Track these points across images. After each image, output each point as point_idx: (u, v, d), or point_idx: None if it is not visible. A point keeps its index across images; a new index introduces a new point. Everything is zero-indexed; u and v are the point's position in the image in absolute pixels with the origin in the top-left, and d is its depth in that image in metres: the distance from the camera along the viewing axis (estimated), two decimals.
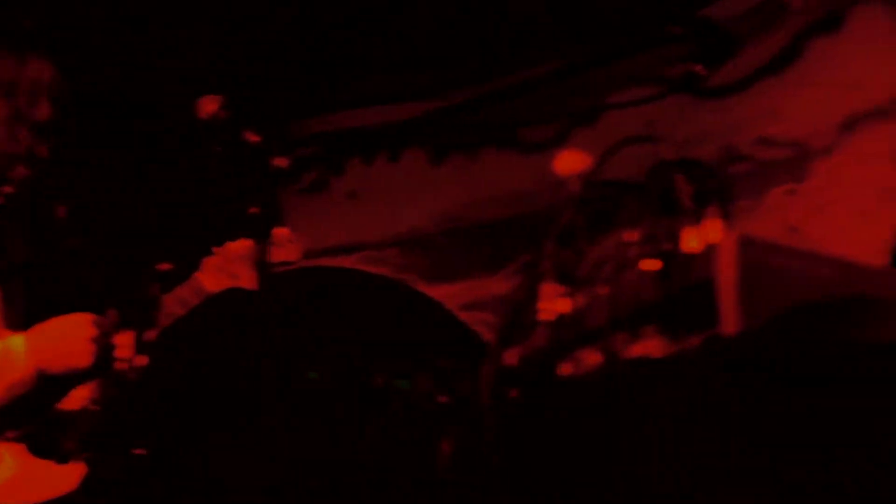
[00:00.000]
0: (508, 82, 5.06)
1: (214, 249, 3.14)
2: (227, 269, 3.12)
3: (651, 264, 1.69)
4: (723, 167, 4.67)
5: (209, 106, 2.73)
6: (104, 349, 2.92)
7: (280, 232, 2.91)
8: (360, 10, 4.92)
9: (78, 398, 2.99)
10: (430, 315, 5.08)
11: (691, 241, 1.67)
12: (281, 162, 2.65)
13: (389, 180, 5.50)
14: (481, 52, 5.08)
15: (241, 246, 3.12)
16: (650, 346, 1.67)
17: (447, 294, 5.20)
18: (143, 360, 2.90)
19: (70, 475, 2.90)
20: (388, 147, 5.35)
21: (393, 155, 5.48)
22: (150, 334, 2.97)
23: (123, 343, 2.92)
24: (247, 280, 3.09)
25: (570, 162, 2.07)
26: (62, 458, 2.89)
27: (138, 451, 3.20)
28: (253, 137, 2.71)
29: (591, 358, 1.76)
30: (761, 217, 4.56)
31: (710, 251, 1.58)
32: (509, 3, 4.91)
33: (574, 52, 4.78)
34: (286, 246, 2.91)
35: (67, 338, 2.89)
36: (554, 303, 1.93)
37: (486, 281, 5.12)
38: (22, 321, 3.00)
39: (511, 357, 1.94)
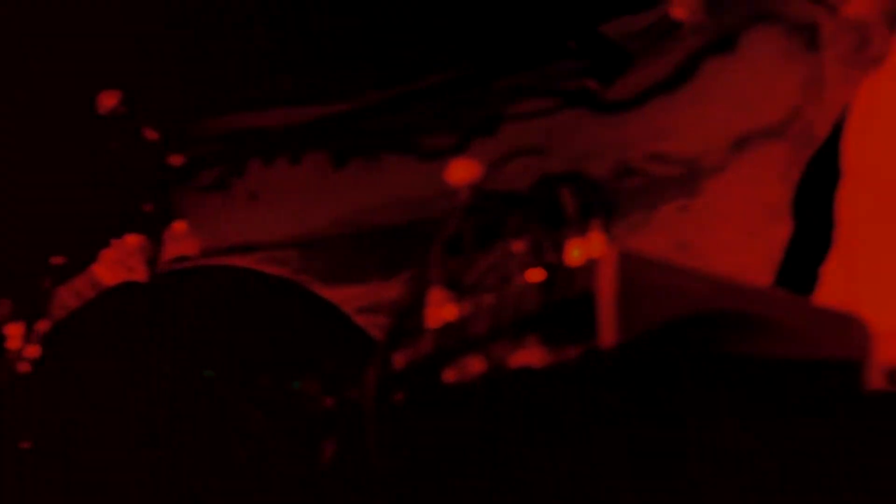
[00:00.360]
0: (410, 89, 5.11)
1: (112, 242, 3.14)
2: (124, 262, 3.11)
3: (535, 275, 1.73)
4: (616, 181, 4.75)
5: (108, 101, 2.73)
6: None
7: (177, 227, 2.91)
8: (264, 9, 4.91)
9: None
10: (326, 317, 5.08)
11: (574, 253, 1.71)
12: (178, 159, 2.66)
13: (290, 182, 5.50)
14: (385, 58, 5.10)
15: (139, 239, 3.11)
16: (531, 355, 1.70)
17: (344, 297, 5.21)
18: (35, 352, 2.88)
19: None
20: (290, 149, 5.35)
21: (294, 157, 5.48)
22: (43, 326, 2.95)
23: (15, 334, 2.90)
24: (142, 274, 3.08)
25: (460, 170, 2.11)
26: None
27: (25, 445, 3.17)
28: (151, 134, 2.71)
29: (475, 365, 1.80)
30: (652, 232, 4.64)
31: (591, 264, 1.62)
32: (413, 11, 4.94)
33: (475, 62, 4.83)
34: (183, 241, 2.91)
35: None
36: (440, 309, 1.95)
37: (383, 285, 5.15)
38: None
39: (397, 361, 1.97)
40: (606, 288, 1.57)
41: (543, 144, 4.84)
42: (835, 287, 2.41)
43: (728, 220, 4.54)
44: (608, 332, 1.56)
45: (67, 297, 3.09)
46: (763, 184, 4.49)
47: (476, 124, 4.99)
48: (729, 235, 4.52)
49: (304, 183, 5.46)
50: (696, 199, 4.65)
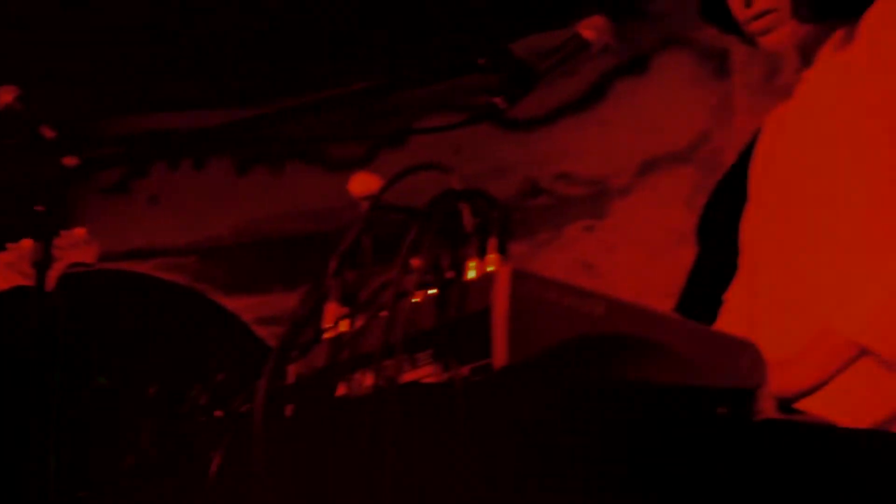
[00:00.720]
0: (319, 98, 5.06)
1: (7, 245, 3.05)
2: (18, 266, 3.03)
3: (431, 292, 1.70)
4: (523, 199, 4.76)
5: (4, 96, 2.66)
6: None
7: (77, 232, 2.85)
8: (172, 12, 4.85)
9: None
10: (223, 326, 5.02)
11: (471, 270, 1.69)
12: (74, 160, 2.59)
13: (193, 187, 5.44)
14: (294, 65, 5.06)
15: (33, 243, 3.03)
16: (424, 372, 1.68)
17: (244, 306, 5.16)
18: None
19: None
20: (194, 154, 5.28)
21: (198, 162, 5.42)
22: None
23: None
24: (36, 278, 3.00)
25: (361, 183, 2.08)
26: None
27: None
28: (48, 133, 2.64)
29: (367, 380, 1.76)
30: (558, 251, 4.66)
31: (487, 281, 1.60)
32: (326, 19, 4.91)
33: (385, 73, 4.81)
34: (82, 247, 2.85)
35: None
36: (335, 323, 1.92)
37: (284, 295, 5.10)
38: None
39: (289, 374, 1.93)
40: (500, 306, 1.54)
41: (451, 159, 4.83)
42: (734, 314, 2.41)
43: (632, 243, 4.57)
44: (500, 350, 1.53)
45: None
46: (668, 207, 4.52)
47: (384, 136, 4.97)
48: (633, 257, 4.54)
49: (206, 188, 5.40)
50: (602, 219, 4.67)
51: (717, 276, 2.54)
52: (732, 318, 2.44)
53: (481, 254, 1.69)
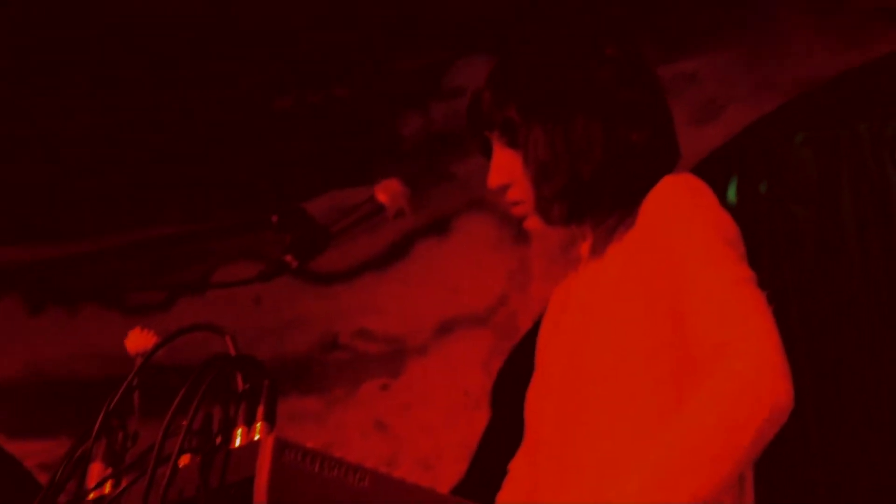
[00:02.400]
0: (124, 242, 5.00)
1: None
2: None
3: (196, 456, 1.67)
4: (321, 354, 4.73)
5: None
6: None
7: None
8: None
9: None
10: (3, 471, 4.85)
11: (237, 437, 1.66)
12: None
13: None
14: (99, 208, 5.00)
15: None
16: None
17: (28, 451, 4.98)
18: None
19: None
20: None
21: None
22: None
23: None
24: None
25: (136, 340, 2.03)
26: None
27: None
28: None
29: None
30: (352, 409, 4.63)
31: (252, 449, 1.58)
32: (129, 165, 4.89)
33: (189, 222, 4.79)
34: None
35: None
36: (97, 483, 1.86)
37: (70, 441, 4.93)
38: None
39: None
40: (261, 477, 1.52)
41: (251, 310, 4.79)
42: (517, 485, 2.40)
43: (427, 403, 4.56)
44: None
45: None
46: (463, 368, 4.54)
47: (185, 284, 4.91)
48: (428, 418, 4.53)
49: None
50: (398, 378, 4.67)
51: (506, 443, 2.53)
52: (515, 489, 2.44)
53: (249, 421, 1.66)
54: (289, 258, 2.25)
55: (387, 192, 2.34)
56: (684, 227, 2.12)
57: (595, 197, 2.23)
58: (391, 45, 4.69)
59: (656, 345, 2.12)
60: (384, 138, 4.90)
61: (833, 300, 4.48)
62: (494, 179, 2.31)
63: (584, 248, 2.37)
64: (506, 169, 2.29)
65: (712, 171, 4.41)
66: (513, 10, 4.27)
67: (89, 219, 4.98)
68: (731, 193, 4.59)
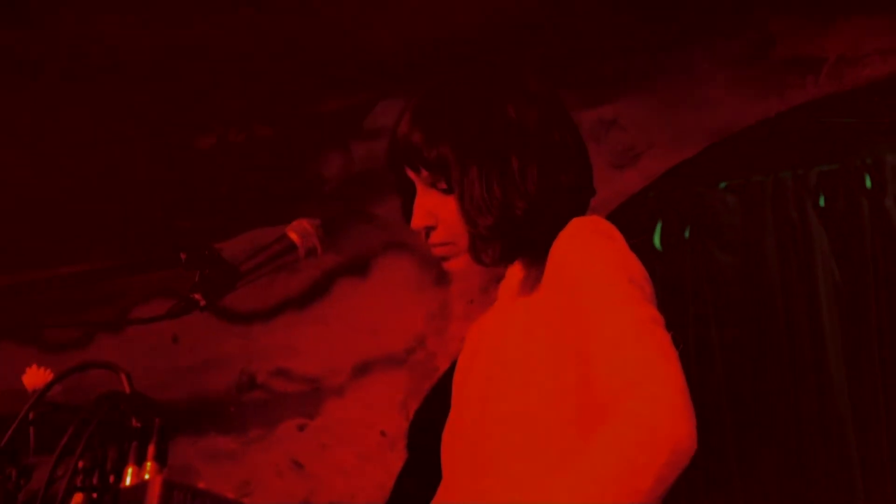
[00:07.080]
0: (37, 277, 4.94)
1: None
2: None
3: (86, 495, 1.65)
4: (239, 393, 4.70)
5: None
6: None
7: None
8: None
9: None
10: None
11: (127, 476, 1.65)
12: None
13: None
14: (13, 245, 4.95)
15: None
16: None
17: None
18: None
19: None
20: None
21: None
22: None
23: None
24: None
25: (33, 376, 2.01)
26: None
27: None
28: None
29: None
30: (269, 448, 4.59)
31: (140, 491, 1.57)
32: (48, 204, 4.85)
33: (106, 259, 4.76)
34: None
35: None
36: None
37: None
38: None
39: None
40: None
41: (169, 347, 4.75)
42: None
43: (343, 443, 4.54)
44: None
45: None
46: (380, 409, 4.53)
47: (101, 322, 4.87)
48: (344, 459, 4.51)
49: None
50: (314, 419, 4.64)
51: (423, 484, 2.52)
52: None
53: (140, 460, 1.65)
54: (197, 296, 2.24)
55: (298, 231, 2.34)
56: (589, 268, 2.12)
57: (526, 236, 2.24)
58: (314, 85, 4.69)
59: (561, 388, 2.12)
60: (306, 178, 4.89)
61: (756, 345, 4.51)
62: (418, 221, 2.29)
63: (501, 287, 2.37)
64: (430, 210, 2.29)
65: (637, 215, 4.44)
66: (435, 52, 4.29)
67: (6, 255, 4.93)
68: (657, 239, 4.61)
